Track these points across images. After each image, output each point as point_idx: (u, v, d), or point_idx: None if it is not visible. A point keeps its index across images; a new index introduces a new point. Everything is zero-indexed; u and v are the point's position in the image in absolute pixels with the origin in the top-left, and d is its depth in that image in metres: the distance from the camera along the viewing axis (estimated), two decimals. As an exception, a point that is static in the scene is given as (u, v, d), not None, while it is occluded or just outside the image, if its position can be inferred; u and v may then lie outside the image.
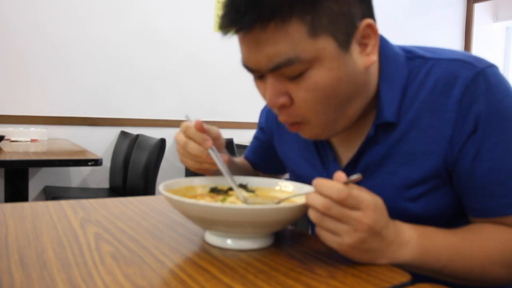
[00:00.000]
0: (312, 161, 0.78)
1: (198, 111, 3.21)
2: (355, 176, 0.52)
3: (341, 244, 0.52)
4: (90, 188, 2.85)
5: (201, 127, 0.68)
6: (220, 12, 0.65)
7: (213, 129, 0.72)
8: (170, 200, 0.58)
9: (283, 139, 0.86)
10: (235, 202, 0.65)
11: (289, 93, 0.60)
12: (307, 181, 0.79)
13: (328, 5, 0.55)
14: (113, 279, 0.46)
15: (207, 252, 0.57)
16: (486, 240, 0.60)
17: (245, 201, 0.65)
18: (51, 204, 0.81)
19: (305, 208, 0.57)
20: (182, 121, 2.92)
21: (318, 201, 0.52)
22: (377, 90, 0.67)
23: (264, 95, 0.64)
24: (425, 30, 4.23)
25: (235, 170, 0.87)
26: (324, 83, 0.58)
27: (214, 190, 0.72)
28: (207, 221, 0.56)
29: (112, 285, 0.45)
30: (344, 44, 0.58)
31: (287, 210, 0.56)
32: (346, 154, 0.72)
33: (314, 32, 0.55)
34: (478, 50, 4.56)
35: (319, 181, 0.52)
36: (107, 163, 2.87)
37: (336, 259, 0.56)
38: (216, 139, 0.71)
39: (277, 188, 0.73)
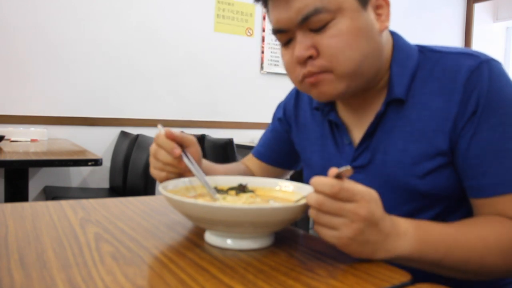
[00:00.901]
0: (327, 148, 0.82)
1: (198, 111, 3.21)
2: (344, 168, 0.52)
3: (340, 238, 0.53)
4: (90, 188, 2.85)
5: (170, 135, 0.72)
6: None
7: (188, 137, 0.75)
8: (170, 200, 0.58)
9: (300, 131, 0.90)
10: (235, 202, 0.65)
11: (316, 45, 0.67)
12: (320, 170, 0.81)
13: None
14: (113, 279, 0.46)
15: (207, 252, 0.57)
16: (482, 230, 0.62)
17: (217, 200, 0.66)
18: (51, 204, 0.81)
19: (305, 208, 0.57)
20: (182, 121, 2.91)
21: (312, 198, 0.53)
22: (389, 72, 0.74)
23: (288, 59, 0.71)
24: (425, 30, 4.23)
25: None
26: (347, 30, 0.66)
27: (214, 190, 0.72)
28: (207, 221, 0.56)
29: (112, 285, 0.45)
30: (363, 3, 0.67)
31: (287, 210, 0.56)
32: (358, 135, 0.77)
33: None
34: (478, 50, 4.56)
35: (314, 180, 0.53)
36: (107, 163, 2.87)
37: (336, 259, 0.56)
38: (189, 146, 0.75)
39: (277, 188, 0.73)
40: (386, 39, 0.73)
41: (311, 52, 0.67)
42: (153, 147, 0.74)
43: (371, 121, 0.74)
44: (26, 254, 0.53)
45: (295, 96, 0.93)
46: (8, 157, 1.66)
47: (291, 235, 0.67)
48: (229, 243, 0.58)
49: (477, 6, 4.60)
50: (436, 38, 4.35)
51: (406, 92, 0.71)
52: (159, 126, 0.76)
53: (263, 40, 3.46)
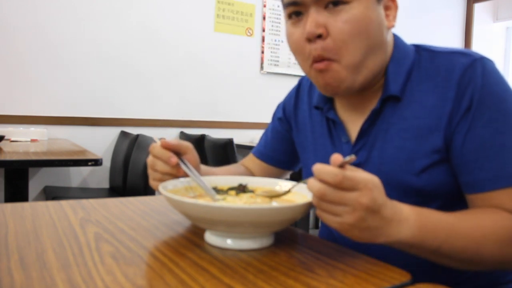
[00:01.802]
0: (325, 147, 0.83)
1: (198, 111, 3.21)
2: (349, 158, 0.52)
3: (342, 223, 0.53)
4: (90, 188, 2.85)
5: (165, 145, 0.71)
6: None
7: (184, 144, 0.74)
8: (170, 200, 0.58)
9: (299, 131, 0.91)
10: (235, 202, 0.65)
11: (327, 26, 0.68)
12: None
13: None
14: (113, 279, 0.46)
15: (207, 252, 0.57)
16: (479, 219, 0.62)
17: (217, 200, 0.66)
18: (51, 204, 0.81)
19: (305, 208, 0.57)
20: (182, 121, 2.91)
21: (315, 187, 0.53)
22: (386, 70, 0.75)
23: (296, 37, 0.72)
24: (425, 30, 4.23)
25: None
26: (361, 18, 0.67)
27: (214, 190, 0.72)
28: (207, 221, 0.56)
29: (112, 285, 0.45)
30: None
31: (287, 210, 0.56)
32: (355, 133, 0.78)
33: None
34: (478, 50, 4.47)
35: (317, 167, 0.53)
36: (107, 163, 2.87)
37: (336, 259, 0.56)
38: (186, 153, 0.74)
39: (277, 188, 0.73)
40: (390, 38, 0.75)
41: (322, 30, 0.67)
42: (150, 159, 0.74)
43: (366, 118, 0.75)
44: (26, 254, 0.53)
45: (295, 96, 0.94)
46: (8, 157, 1.66)
47: (291, 235, 0.67)
48: (229, 243, 0.58)
49: (477, 6, 4.60)
50: (436, 38, 4.34)
51: (401, 90, 0.72)
52: (154, 137, 0.76)
53: (263, 40, 3.46)
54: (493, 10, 4.81)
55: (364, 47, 0.68)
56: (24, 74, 2.67)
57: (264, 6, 3.46)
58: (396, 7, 0.73)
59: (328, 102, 0.82)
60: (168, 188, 0.65)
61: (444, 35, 4.46)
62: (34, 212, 0.74)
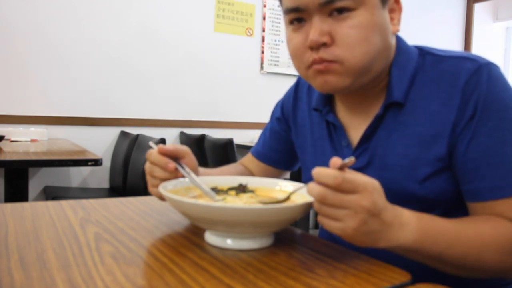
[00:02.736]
0: (324, 150, 0.81)
1: (198, 111, 3.21)
2: (348, 160, 0.52)
3: (344, 229, 0.52)
4: (90, 188, 2.85)
5: (162, 151, 0.71)
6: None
7: (181, 148, 0.74)
8: (170, 200, 0.58)
9: (298, 131, 0.90)
10: (235, 202, 0.65)
11: (332, 33, 0.66)
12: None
13: None
14: (113, 279, 0.46)
15: (207, 252, 0.57)
16: (480, 227, 0.62)
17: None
18: (51, 204, 0.81)
19: (305, 208, 0.57)
20: (182, 121, 2.91)
21: (315, 190, 0.52)
22: (389, 74, 0.73)
23: (297, 42, 0.70)
24: (425, 30, 4.23)
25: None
26: (367, 24, 0.66)
27: (214, 190, 0.72)
28: (207, 221, 0.56)
29: (112, 285, 0.45)
30: (383, 2, 0.68)
31: (287, 210, 0.56)
32: (356, 137, 0.76)
33: None
34: (478, 50, 4.56)
35: (316, 170, 0.53)
36: (107, 163, 2.87)
37: (336, 259, 0.56)
38: (184, 157, 0.74)
39: (277, 188, 0.73)
40: (393, 41, 0.74)
41: (327, 39, 0.66)
42: (147, 166, 0.73)
43: (369, 123, 0.74)
44: (26, 254, 0.53)
45: (294, 96, 0.93)
46: (8, 157, 1.66)
47: (291, 235, 0.67)
48: (229, 243, 0.58)
49: (477, 6, 4.59)
50: (436, 38, 4.34)
51: (405, 96, 0.71)
52: (151, 143, 0.76)
53: (263, 40, 3.46)
54: (493, 10, 4.81)
55: (368, 54, 0.67)
56: (24, 74, 2.67)
57: (264, 6, 3.46)
58: (400, 10, 0.72)
59: (328, 105, 0.81)
60: (168, 188, 0.65)
61: (444, 35, 4.46)
62: (34, 212, 0.74)
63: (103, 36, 2.86)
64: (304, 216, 0.59)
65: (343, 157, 0.77)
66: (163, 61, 3.07)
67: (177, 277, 0.48)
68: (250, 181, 0.74)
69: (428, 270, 0.69)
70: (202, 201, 0.55)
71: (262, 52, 3.46)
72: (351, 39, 0.66)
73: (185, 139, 3.02)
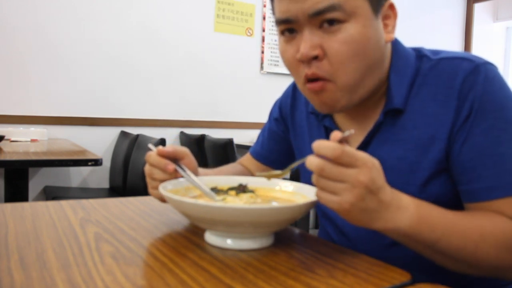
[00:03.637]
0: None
1: (198, 111, 3.21)
2: (348, 132, 0.52)
3: (341, 203, 0.52)
4: (90, 188, 2.85)
5: (161, 153, 0.71)
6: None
7: (180, 150, 0.73)
8: (170, 200, 0.58)
9: (296, 132, 0.89)
10: (235, 202, 0.65)
11: (323, 46, 0.65)
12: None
13: None
14: (113, 279, 0.46)
15: (207, 252, 0.57)
16: (479, 220, 0.61)
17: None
18: (51, 204, 0.81)
19: (305, 208, 0.57)
20: (182, 121, 2.90)
21: (314, 162, 0.52)
22: (387, 80, 0.72)
23: (290, 55, 0.69)
24: (425, 30, 4.23)
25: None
26: (358, 38, 0.64)
27: (214, 190, 0.72)
28: (207, 221, 0.56)
29: (112, 285, 0.45)
30: (375, 11, 0.66)
31: (287, 210, 0.56)
32: (354, 143, 0.76)
33: None
34: (478, 50, 4.56)
35: (316, 143, 0.53)
36: (107, 163, 2.87)
37: (336, 259, 0.56)
38: (183, 158, 0.73)
39: (277, 188, 0.73)
40: (388, 47, 0.73)
41: (318, 52, 0.65)
42: (147, 168, 0.73)
43: (369, 130, 0.73)
44: (26, 254, 0.53)
45: (292, 96, 0.92)
46: (8, 157, 1.66)
47: (291, 235, 0.67)
48: (229, 243, 0.58)
49: (477, 6, 4.60)
50: (436, 38, 4.34)
51: (404, 102, 0.70)
52: (150, 145, 0.75)
53: (263, 40, 3.46)
54: (493, 10, 4.81)
55: (361, 68, 0.66)
56: (24, 74, 2.67)
57: (264, 6, 3.46)
58: (395, 16, 0.70)
59: None
60: (168, 188, 0.65)
61: (444, 35, 4.46)
62: (34, 212, 0.74)
63: (103, 36, 2.86)
64: (304, 216, 0.59)
65: None
66: (163, 61, 3.07)
67: (177, 277, 0.48)
68: (250, 181, 0.74)
69: (428, 271, 0.69)
70: (202, 201, 0.55)
71: (262, 52, 3.46)
72: (343, 55, 0.64)
73: (185, 139, 3.02)
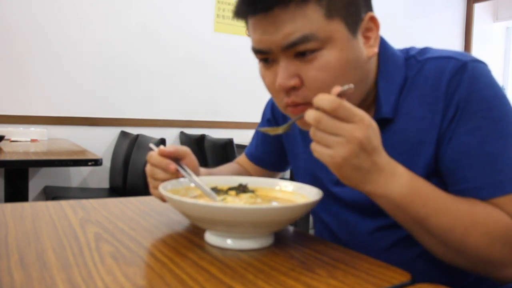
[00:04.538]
0: (315, 157, 0.78)
1: (198, 111, 3.21)
2: (347, 87, 0.52)
3: (334, 157, 0.52)
4: (90, 188, 2.85)
5: (163, 153, 0.71)
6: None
7: (181, 149, 0.73)
8: (170, 200, 0.58)
9: (289, 135, 0.88)
10: (235, 202, 0.65)
11: (300, 74, 0.63)
12: (308, 178, 0.80)
13: None
14: (113, 279, 0.46)
15: (207, 252, 0.57)
16: (473, 206, 0.59)
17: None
18: (51, 204, 0.81)
19: (305, 208, 0.57)
20: (182, 121, 2.90)
21: (311, 114, 0.52)
22: (376, 87, 0.70)
23: (269, 81, 0.67)
24: (425, 31, 4.23)
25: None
26: (336, 63, 0.61)
27: (214, 190, 0.72)
28: (207, 221, 0.56)
29: (112, 285, 0.45)
30: (353, 30, 0.63)
31: (287, 210, 0.56)
32: None
33: (329, 14, 0.61)
34: (478, 50, 4.56)
35: (317, 96, 0.53)
36: (107, 163, 2.87)
37: (336, 259, 0.56)
38: (185, 158, 0.73)
39: (277, 188, 0.73)
40: (371, 63, 0.69)
41: (295, 82, 0.63)
42: (148, 168, 0.73)
43: None
44: (26, 254, 0.53)
45: None
46: (8, 157, 1.66)
47: (291, 235, 0.67)
48: (229, 243, 0.58)
49: (477, 6, 4.60)
50: (436, 38, 4.34)
51: (393, 110, 0.68)
52: (151, 145, 0.75)
53: (263, 40, 3.46)
54: (493, 10, 4.81)
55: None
56: (24, 74, 2.67)
57: (264, 6, 3.46)
58: (377, 27, 0.67)
59: None
60: (168, 188, 0.65)
61: (444, 35, 4.46)
62: (34, 212, 0.74)
63: (103, 36, 2.86)
64: (304, 216, 0.59)
65: None
66: (163, 61, 3.07)
67: (177, 277, 0.48)
68: (250, 181, 0.74)
69: (428, 270, 0.69)
70: (202, 201, 0.55)
71: (262, 52, 3.46)
72: (320, 82, 0.62)
73: (185, 139, 3.02)
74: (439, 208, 0.57)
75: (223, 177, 0.76)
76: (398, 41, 0.75)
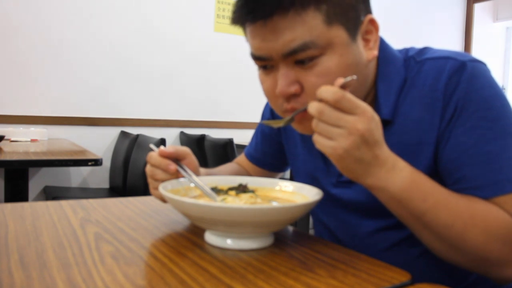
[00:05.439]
0: (314, 158, 0.79)
1: (198, 111, 3.21)
2: (350, 78, 0.52)
3: (335, 148, 0.52)
4: (90, 188, 2.85)
5: (163, 154, 0.70)
6: (234, 4, 0.67)
7: (181, 150, 0.73)
8: (170, 200, 0.58)
9: (288, 136, 0.88)
10: (235, 202, 0.65)
11: (300, 81, 0.63)
12: (308, 179, 0.80)
13: None
14: (113, 279, 0.46)
15: (207, 252, 0.57)
16: (473, 203, 0.59)
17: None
18: (51, 204, 0.81)
19: (305, 208, 0.57)
20: (182, 121, 2.90)
21: (314, 106, 0.52)
22: (375, 88, 0.70)
23: (267, 87, 0.67)
24: (425, 31, 4.23)
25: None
26: (336, 69, 0.61)
27: (214, 190, 0.72)
28: (207, 221, 0.56)
29: (112, 285, 0.45)
30: (353, 35, 0.63)
31: (287, 210, 0.56)
32: None
33: (329, 20, 0.60)
34: (478, 50, 4.57)
35: (320, 87, 0.53)
36: (107, 163, 2.87)
37: (336, 259, 0.56)
38: (185, 158, 0.73)
39: (277, 188, 0.73)
40: (371, 64, 0.69)
41: (295, 88, 0.62)
42: (148, 168, 0.73)
43: None
44: (26, 254, 0.53)
45: None
46: (8, 157, 1.66)
47: (291, 235, 0.67)
48: (229, 243, 0.58)
49: (477, 6, 4.60)
50: (436, 38, 4.34)
51: (392, 112, 0.68)
52: (151, 145, 0.75)
53: (263, 40, 3.46)
54: (493, 10, 4.81)
55: None
56: (25, 74, 2.67)
57: (264, 6, 3.46)
58: (377, 29, 0.66)
59: None
60: (168, 188, 0.65)
61: (444, 36, 4.46)
62: (34, 212, 0.74)
63: (103, 36, 2.87)
64: (304, 216, 0.59)
65: (333, 167, 0.75)
66: (163, 61, 3.07)
67: (177, 277, 0.48)
68: (250, 181, 0.74)
69: (428, 270, 0.69)
70: (202, 201, 0.55)
71: (262, 52, 3.46)
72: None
73: (185, 139, 3.02)
74: (439, 203, 0.57)
75: (223, 177, 0.76)
76: (398, 41, 0.75)
